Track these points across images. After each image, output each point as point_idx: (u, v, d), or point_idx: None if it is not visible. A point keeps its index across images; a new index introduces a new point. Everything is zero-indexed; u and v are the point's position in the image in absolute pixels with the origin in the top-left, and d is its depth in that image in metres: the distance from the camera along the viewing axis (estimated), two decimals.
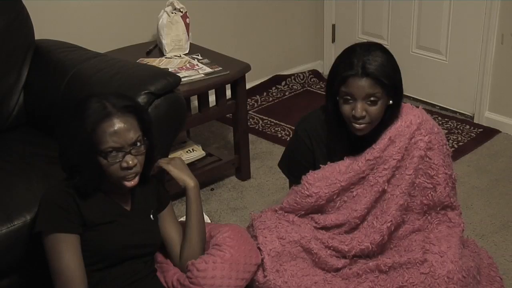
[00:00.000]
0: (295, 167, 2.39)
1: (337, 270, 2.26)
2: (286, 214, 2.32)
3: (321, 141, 2.32)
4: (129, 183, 1.94)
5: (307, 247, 2.24)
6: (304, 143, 2.34)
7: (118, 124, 1.86)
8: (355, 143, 2.29)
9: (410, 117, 2.25)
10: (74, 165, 1.91)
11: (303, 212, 2.31)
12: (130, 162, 1.89)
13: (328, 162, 2.29)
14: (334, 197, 2.27)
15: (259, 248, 2.21)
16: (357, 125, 2.16)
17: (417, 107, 2.32)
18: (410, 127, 2.23)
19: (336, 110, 2.20)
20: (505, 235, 2.82)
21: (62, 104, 2.49)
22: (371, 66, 2.10)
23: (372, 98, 2.12)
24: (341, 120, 2.22)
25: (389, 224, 2.24)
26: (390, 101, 2.19)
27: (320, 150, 2.33)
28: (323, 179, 2.27)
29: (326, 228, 2.29)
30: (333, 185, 2.25)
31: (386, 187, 2.24)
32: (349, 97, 2.13)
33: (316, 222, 2.30)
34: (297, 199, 2.30)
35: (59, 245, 1.89)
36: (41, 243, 1.94)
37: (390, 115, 2.22)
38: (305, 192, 2.27)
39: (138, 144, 1.91)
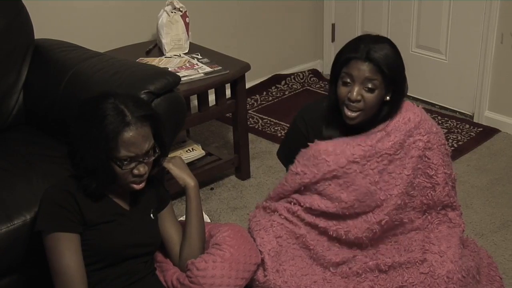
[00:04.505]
0: (291, 155, 2.40)
1: (336, 265, 2.25)
2: (272, 213, 2.30)
3: (318, 131, 2.33)
4: (138, 186, 1.97)
5: (304, 244, 2.24)
6: (300, 130, 2.36)
7: (136, 135, 1.89)
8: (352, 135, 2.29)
9: (409, 114, 2.25)
10: (88, 168, 1.92)
11: (290, 193, 2.30)
12: (142, 170, 1.93)
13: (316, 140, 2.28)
14: (321, 181, 2.24)
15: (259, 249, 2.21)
16: (350, 111, 2.18)
17: (417, 106, 2.32)
18: (407, 124, 2.24)
19: (337, 95, 2.23)
20: (505, 234, 2.82)
21: (62, 103, 2.49)
22: (376, 53, 2.14)
23: (370, 85, 2.14)
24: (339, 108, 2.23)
25: (383, 222, 2.23)
26: (388, 97, 2.20)
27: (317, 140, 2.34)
28: (311, 158, 2.25)
29: (314, 213, 2.28)
30: (321, 165, 2.23)
31: (377, 179, 2.22)
32: (348, 80, 2.17)
33: (300, 205, 2.27)
34: (288, 177, 2.29)
35: (60, 244, 1.90)
36: (41, 242, 1.94)
37: (387, 112, 2.23)
38: (294, 169, 2.27)
39: (151, 152, 1.95)
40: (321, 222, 2.26)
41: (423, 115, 2.28)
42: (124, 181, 1.95)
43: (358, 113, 2.17)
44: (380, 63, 2.13)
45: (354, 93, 2.15)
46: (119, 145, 1.87)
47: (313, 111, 2.36)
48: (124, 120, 1.88)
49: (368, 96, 2.15)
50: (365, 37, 2.22)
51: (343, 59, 2.18)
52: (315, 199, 2.27)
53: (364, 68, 2.14)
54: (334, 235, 2.26)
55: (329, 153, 2.23)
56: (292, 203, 2.30)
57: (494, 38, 3.57)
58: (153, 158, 1.97)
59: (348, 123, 2.21)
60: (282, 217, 2.28)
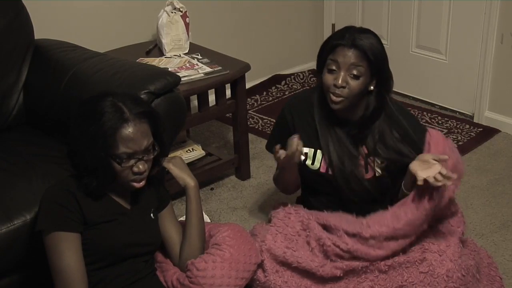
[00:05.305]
0: (277, 142, 2.42)
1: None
2: (303, 230, 2.26)
3: (306, 121, 2.35)
4: (138, 185, 1.97)
5: (312, 272, 2.19)
6: (285, 118, 2.41)
7: (134, 131, 1.89)
8: (343, 130, 2.32)
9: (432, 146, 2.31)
10: (88, 167, 1.92)
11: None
12: (141, 167, 1.93)
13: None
14: (381, 238, 2.22)
15: (261, 248, 2.20)
16: (335, 97, 2.21)
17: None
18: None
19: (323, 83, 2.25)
20: (505, 234, 2.82)
21: (62, 104, 2.49)
22: (361, 41, 2.18)
23: (355, 71, 2.18)
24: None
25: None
26: (372, 87, 2.23)
27: (304, 131, 2.34)
28: (383, 223, 2.22)
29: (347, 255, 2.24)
30: (386, 227, 2.21)
31: None
32: (334, 67, 2.20)
33: (344, 244, 2.21)
34: (349, 230, 2.23)
35: (60, 244, 1.90)
36: (41, 242, 1.94)
37: (375, 106, 2.25)
38: (364, 234, 2.21)
39: (150, 150, 1.95)
40: (343, 265, 2.21)
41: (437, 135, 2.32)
42: (124, 179, 1.95)
43: (342, 99, 2.21)
44: (366, 49, 2.17)
45: (340, 79, 2.18)
46: (118, 141, 1.87)
47: (302, 100, 2.39)
48: (123, 116, 1.88)
49: (353, 83, 2.19)
50: (350, 28, 2.25)
51: (329, 46, 2.22)
52: (364, 248, 2.20)
53: (349, 55, 2.18)
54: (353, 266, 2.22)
55: (400, 219, 2.20)
56: (329, 239, 2.21)
57: (494, 38, 3.57)
58: (152, 156, 1.97)
59: (332, 108, 2.24)
60: (306, 240, 2.24)
